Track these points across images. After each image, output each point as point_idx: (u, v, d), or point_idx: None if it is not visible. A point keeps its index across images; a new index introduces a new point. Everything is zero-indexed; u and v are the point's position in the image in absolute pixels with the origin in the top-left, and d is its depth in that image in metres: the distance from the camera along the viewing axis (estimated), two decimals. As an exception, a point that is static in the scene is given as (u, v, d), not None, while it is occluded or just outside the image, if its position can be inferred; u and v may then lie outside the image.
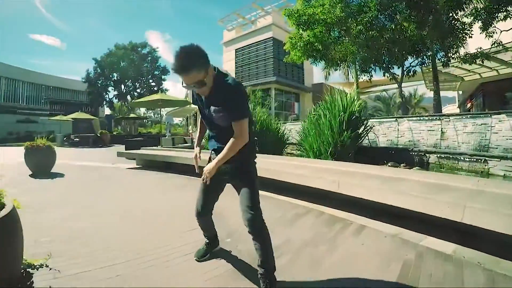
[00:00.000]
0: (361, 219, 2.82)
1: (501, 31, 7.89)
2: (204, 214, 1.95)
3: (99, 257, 2.00)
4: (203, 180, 1.74)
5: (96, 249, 2.15)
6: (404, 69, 10.33)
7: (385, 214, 2.77)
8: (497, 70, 12.85)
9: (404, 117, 6.81)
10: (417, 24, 8.36)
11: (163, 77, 33.78)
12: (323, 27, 9.58)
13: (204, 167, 1.70)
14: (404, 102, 12.32)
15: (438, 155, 5.56)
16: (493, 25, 7.80)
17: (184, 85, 1.53)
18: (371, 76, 11.00)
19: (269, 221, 1.69)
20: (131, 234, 2.49)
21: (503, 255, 1.97)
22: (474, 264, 1.93)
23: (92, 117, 23.70)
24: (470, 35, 8.27)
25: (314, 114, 5.76)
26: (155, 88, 31.89)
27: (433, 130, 5.94)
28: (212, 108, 1.64)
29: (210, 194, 1.91)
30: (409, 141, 6.36)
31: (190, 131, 21.30)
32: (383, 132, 6.85)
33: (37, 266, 1.65)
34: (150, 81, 33.25)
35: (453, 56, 8.83)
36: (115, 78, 31.76)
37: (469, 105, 18.72)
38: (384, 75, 10.80)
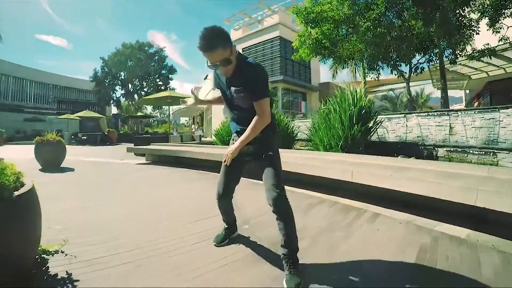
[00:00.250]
0: (374, 208, 2.86)
1: (508, 27, 7.84)
2: (226, 197, 1.96)
3: (112, 244, 2.00)
4: (224, 161, 1.77)
5: (110, 237, 2.15)
6: (412, 66, 10.29)
7: (397, 203, 2.82)
8: (504, 68, 12.75)
9: (413, 113, 6.82)
10: (424, 21, 8.33)
11: (170, 76, 33.98)
12: (331, 25, 9.60)
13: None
14: (411, 100, 12.26)
15: (447, 149, 5.57)
16: (500, 21, 7.75)
17: (209, 64, 1.56)
18: (379, 74, 10.99)
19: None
20: (143, 223, 2.49)
21: None
22: (488, 247, 1.97)
23: (100, 115, 23.95)
24: (477, 31, 8.23)
25: (324, 108, 5.80)
26: (162, 88, 32.09)
27: (441, 126, 5.94)
28: (234, 88, 1.67)
29: (231, 177, 1.91)
30: (417, 136, 6.37)
31: (193, 130, 21.43)
32: (392, 128, 6.87)
33: (52, 252, 1.67)
34: (157, 80, 33.46)
35: (460, 53, 8.78)
36: (123, 77, 32.04)
37: (476, 104, 18.57)
38: (391, 73, 10.77)
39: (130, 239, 2.11)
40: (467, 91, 20.02)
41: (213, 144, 9.27)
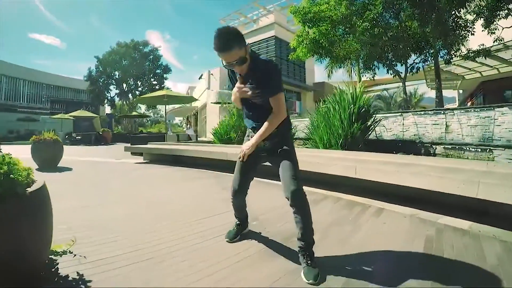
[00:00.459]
0: (378, 203, 2.95)
1: (503, 28, 8.04)
2: (241, 194, 1.95)
3: (121, 244, 1.96)
4: (239, 158, 1.77)
5: (117, 236, 2.10)
6: (408, 66, 10.46)
7: (400, 199, 2.90)
8: (497, 68, 13.03)
9: (409, 111, 6.95)
10: (420, 22, 8.48)
11: (164, 75, 33.76)
12: (328, 25, 9.70)
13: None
14: (407, 99, 12.47)
15: (444, 146, 5.71)
16: (494, 23, 7.95)
17: (225, 64, 1.59)
18: (375, 73, 11.13)
19: (286, 208, 1.70)
20: (148, 222, 2.43)
21: None
22: (490, 237, 2.08)
23: (94, 115, 23.73)
24: (472, 32, 8.41)
25: (324, 107, 5.88)
26: (157, 87, 31.81)
27: (437, 124, 6.07)
28: (249, 86, 1.69)
29: (247, 174, 1.91)
30: (414, 135, 6.49)
31: (184, 129, 21.42)
32: (389, 126, 6.98)
33: (60, 253, 1.61)
34: (152, 79, 33.19)
35: (455, 53, 8.96)
36: (117, 76, 31.72)
37: (469, 103, 18.91)
38: (387, 72, 10.94)
39: (139, 238, 2.08)
40: (461, 91, 20.38)
41: (211, 143, 9.28)
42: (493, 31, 8.05)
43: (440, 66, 9.98)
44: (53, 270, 1.51)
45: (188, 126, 20.53)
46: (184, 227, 2.32)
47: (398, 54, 9.84)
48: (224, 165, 5.08)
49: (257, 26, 22.30)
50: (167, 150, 6.75)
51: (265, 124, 1.67)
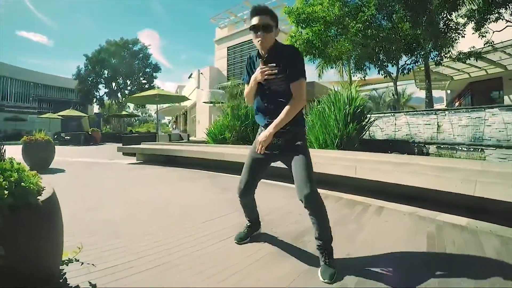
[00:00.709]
0: (377, 201, 3.03)
1: (493, 32, 8.31)
2: (247, 193, 1.89)
3: (130, 249, 1.89)
4: (256, 150, 1.68)
5: (123, 240, 2.03)
6: (399, 67, 10.67)
7: (398, 197, 2.99)
8: (485, 70, 13.39)
9: (402, 112, 7.13)
10: (412, 24, 8.68)
11: (154, 74, 33.37)
12: (321, 25, 9.81)
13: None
14: (397, 100, 12.74)
15: (437, 146, 5.88)
16: (485, 26, 8.21)
17: (254, 23, 1.60)
18: (366, 74, 11.33)
19: (289, 208, 1.66)
20: (152, 225, 2.38)
21: (509, 225, 2.24)
22: (487, 232, 2.18)
23: (83, 114, 23.29)
24: (463, 34, 8.66)
25: (319, 107, 5.95)
26: (146, 86, 31.46)
27: (429, 124, 6.24)
28: (272, 67, 1.62)
29: (256, 173, 1.85)
30: (406, 135, 6.65)
31: (170, 129, 21.28)
32: (381, 126, 7.12)
33: (66, 261, 1.49)
34: (141, 78, 32.74)
35: (446, 55, 9.20)
36: (106, 75, 31.16)
37: (457, 103, 19.35)
38: (379, 73, 11.13)
39: (146, 243, 2.00)
40: (449, 91, 20.85)
41: (204, 143, 9.24)
42: (483, 34, 8.31)
43: (430, 66, 10.24)
44: (61, 281, 1.40)
45: (174, 126, 20.35)
46: (189, 230, 2.27)
47: (390, 55, 10.03)
48: (220, 165, 5.09)
49: (247, 26, 22.26)
50: (161, 151, 6.70)
51: (284, 111, 1.59)
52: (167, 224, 2.44)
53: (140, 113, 51.88)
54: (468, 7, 8.28)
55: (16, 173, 1.19)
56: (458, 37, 8.71)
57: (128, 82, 32.37)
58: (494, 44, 8.56)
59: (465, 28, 8.61)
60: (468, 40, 8.77)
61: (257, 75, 1.66)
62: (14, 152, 4.94)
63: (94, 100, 32.41)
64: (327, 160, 3.62)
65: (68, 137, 17.68)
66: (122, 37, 31.62)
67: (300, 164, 1.61)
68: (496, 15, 7.90)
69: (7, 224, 1.01)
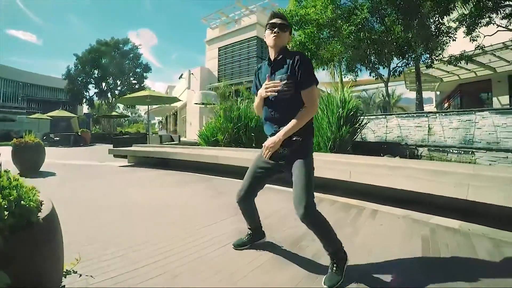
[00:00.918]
0: (371, 205, 3.06)
1: (484, 36, 8.52)
2: (245, 200, 1.86)
3: (130, 258, 1.84)
4: (263, 154, 1.67)
5: (121, 249, 1.98)
6: (391, 69, 10.84)
7: (391, 200, 3.03)
8: (475, 72, 13.68)
9: (393, 114, 7.24)
10: (403, 27, 8.83)
11: (144, 74, 33.01)
12: (314, 28, 9.89)
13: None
14: (388, 102, 12.94)
15: (428, 148, 5.99)
16: (476, 30, 8.42)
17: (273, 21, 1.68)
18: (357, 75, 11.46)
19: (284, 212, 1.65)
20: (149, 231, 2.34)
21: (501, 228, 2.30)
22: (479, 235, 2.24)
23: (72, 114, 22.85)
24: (454, 38, 8.85)
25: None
26: (136, 86, 31.12)
27: (420, 126, 6.36)
28: (279, 76, 1.62)
29: (258, 182, 1.82)
30: (397, 137, 6.77)
31: (157, 130, 21.13)
32: (373, 128, 7.23)
33: (64, 273, 1.42)
34: (132, 78, 32.35)
35: (437, 58, 9.39)
36: (96, 75, 30.67)
37: (446, 105, 19.68)
38: (370, 75, 11.28)
39: (146, 251, 1.95)
40: (438, 93, 21.24)
41: (196, 145, 9.18)
42: (474, 38, 8.53)
43: (421, 69, 10.43)
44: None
45: (160, 127, 20.19)
46: (188, 236, 2.24)
47: (381, 58, 10.18)
48: (214, 168, 5.06)
49: (238, 26, 22.23)
50: (153, 153, 6.61)
51: (295, 118, 1.56)
52: (166, 229, 2.41)
53: (130, 114, 51.18)
54: (459, 12, 8.48)
55: (15, 191, 1.14)
56: (449, 41, 8.90)
57: (118, 82, 32.00)
58: (484, 48, 8.78)
59: (456, 32, 8.81)
60: (459, 43, 8.96)
61: (261, 91, 1.69)
62: (3, 154, 4.83)
63: (84, 101, 31.90)
64: (323, 164, 3.63)
65: (57, 138, 17.32)
66: (113, 36, 31.24)
67: (299, 181, 1.56)
68: (487, 19, 8.11)
69: (7, 246, 0.97)
